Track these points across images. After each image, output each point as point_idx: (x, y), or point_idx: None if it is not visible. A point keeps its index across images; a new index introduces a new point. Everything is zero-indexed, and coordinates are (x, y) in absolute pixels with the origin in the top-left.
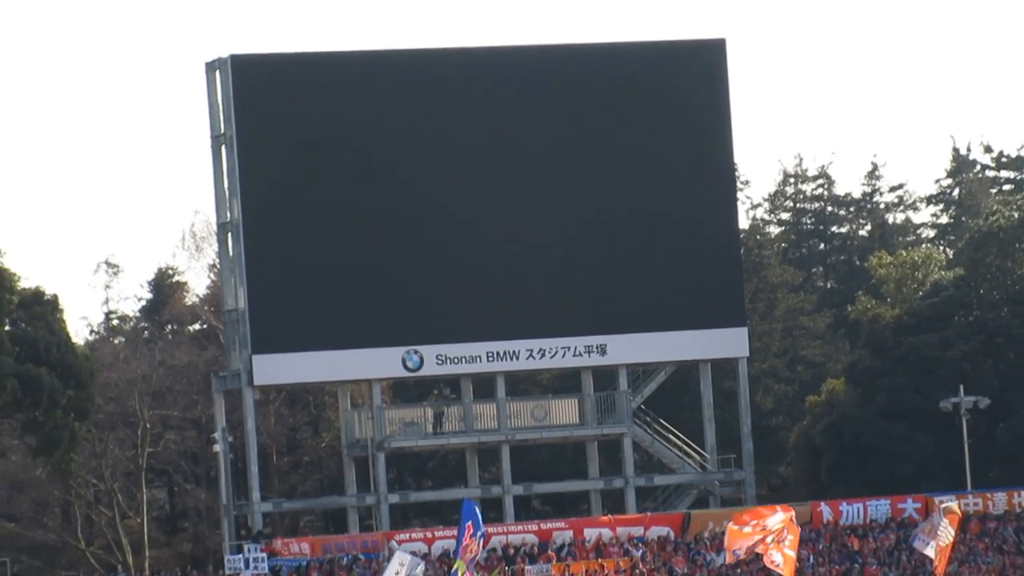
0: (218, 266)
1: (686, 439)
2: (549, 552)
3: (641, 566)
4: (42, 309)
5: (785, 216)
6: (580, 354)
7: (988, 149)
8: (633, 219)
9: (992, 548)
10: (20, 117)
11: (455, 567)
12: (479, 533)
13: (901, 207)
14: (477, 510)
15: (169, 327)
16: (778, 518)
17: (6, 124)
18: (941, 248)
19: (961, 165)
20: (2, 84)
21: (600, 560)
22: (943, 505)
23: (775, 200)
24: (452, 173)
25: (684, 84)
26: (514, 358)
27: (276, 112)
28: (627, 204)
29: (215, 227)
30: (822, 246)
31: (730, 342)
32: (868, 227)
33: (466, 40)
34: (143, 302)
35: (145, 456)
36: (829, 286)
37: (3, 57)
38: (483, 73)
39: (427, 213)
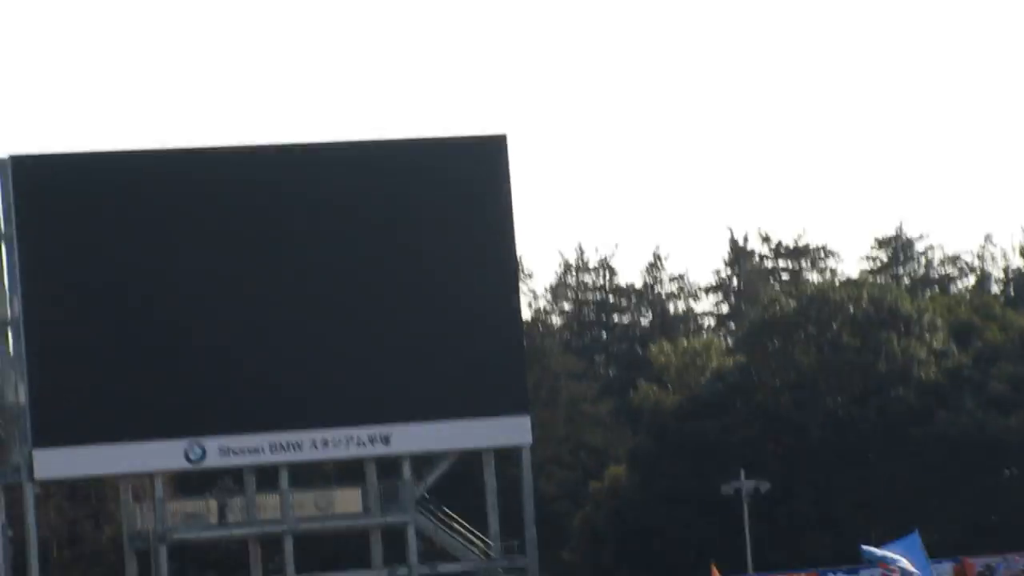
0: None
1: (470, 527)
2: None
3: None
4: None
5: (567, 306)
6: (364, 444)
7: (766, 239)
8: (417, 309)
9: None
10: None
11: None
12: None
13: (682, 296)
14: None
15: None
16: None
17: None
18: (722, 336)
19: (739, 255)
20: None
21: None
22: None
23: (556, 291)
24: (234, 265)
25: (467, 178)
26: (297, 449)
27: (56, 210)
28: (412, 295)
29: None
30: (604, 335)
31: (513, 430)
32: (649, 316)
33: (249, 138)
34: None
35: None
36: (611, 374)
37: None
38: (266, 169)
39: (208, 305)
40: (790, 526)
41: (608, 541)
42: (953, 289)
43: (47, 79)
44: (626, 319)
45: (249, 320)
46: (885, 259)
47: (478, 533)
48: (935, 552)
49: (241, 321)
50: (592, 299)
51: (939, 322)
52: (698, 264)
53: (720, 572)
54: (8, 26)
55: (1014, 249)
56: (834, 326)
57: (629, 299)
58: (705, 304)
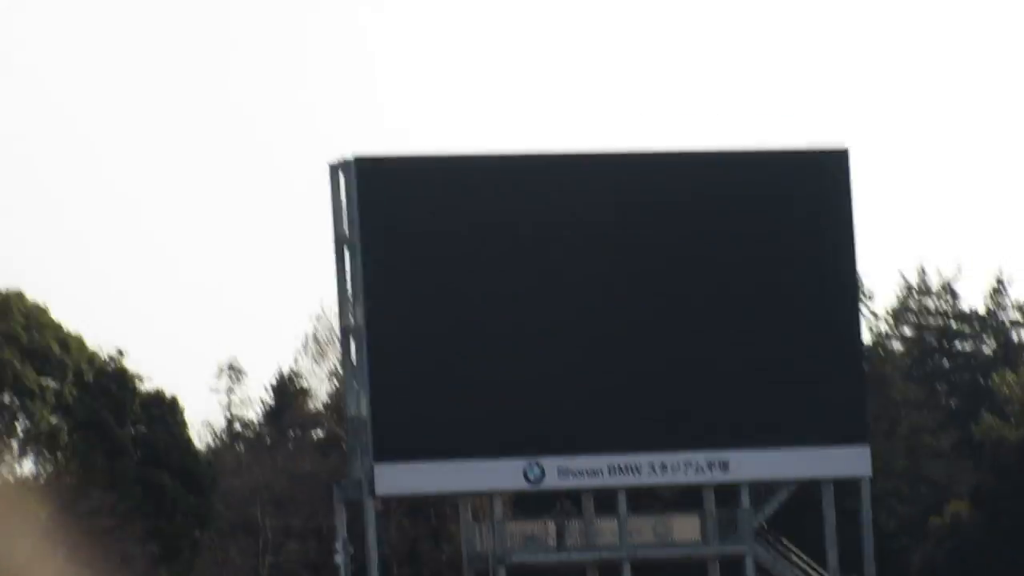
0: (340, 372)
1: (809, 560)
2: None
3: None
4: (162, 412)
5: (908, 331)
6: (702, 469)
7: None
8: (755, 330)
9: None
10: (142, 215)
11: None
12: None
13: None
14: None
15: (291, 433)
16: None
17: (131, 222)
18: None
19: None
20: (125, 180)
21: None
22: None
23: (898, 315)
24: (578, 281)
25: (806, 193)
26: (636, 472)
27: (400, 214)
28: (749, 314)
29: (338, 332)
30: (946, 363)
31: (853, 460)
32: (993, 344)
33: (587, 144)
34: (265, 407)
35: (267, 566)
36: (953, 404)
37: (128, 151)
38: (605, 177)
39: (550, 322)
40: None
41: None
42: None
43: (392, 78)
44: (968, 347)
45: (589, 340)
46: None
47: (816, 567)
48: None
49: (582, 341)
50: (934, 324)
51: None
52: None
53: None
54: (357, 29)
55: None
56: None
57: (972, 325)
58: None
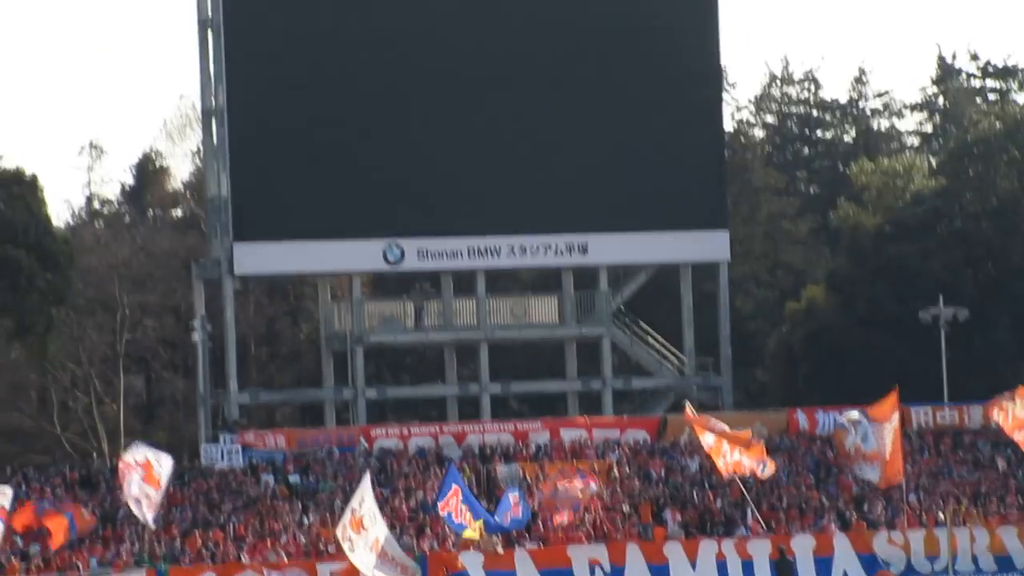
0: (202, 152)
1: (665, 342)
2: (524, 452)
3: (616, 470)
4: (21, 190)
5: (770, 119)
6: (561, 253)
7: (975, 57)
8: (618, 118)
9: (967, 463)
10: None
11: (470, 530)
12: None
13: (886, 114)
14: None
15: (151, 213)
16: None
17: None
18: (925, 156)
19: (947, 73)
20: None
21: (575, 462)
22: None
23: (760, 103)
24: (439, 69)
25: None
26: (495, 255)
27: None
28: (613, 103)
29: (199, 112)
30: (806, 151)
31: (712, 245)
32: (853, 133)
33: None
34: (125, 187)
35: (123, 342)
36: (812, 191)
37: None
38: None
39: (413, 107)
40: (988, 356)
41: (802, 362)
42: None
43: None
44: (829, 135)
45: (452, 123)
46: None
47: (673, 349)
48: None
49: (444, 123)
50: (796, 112)
51: None
52: (904, 81)
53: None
54: None
55: None
56: None
57: (833, 114)
58: (909, 123)
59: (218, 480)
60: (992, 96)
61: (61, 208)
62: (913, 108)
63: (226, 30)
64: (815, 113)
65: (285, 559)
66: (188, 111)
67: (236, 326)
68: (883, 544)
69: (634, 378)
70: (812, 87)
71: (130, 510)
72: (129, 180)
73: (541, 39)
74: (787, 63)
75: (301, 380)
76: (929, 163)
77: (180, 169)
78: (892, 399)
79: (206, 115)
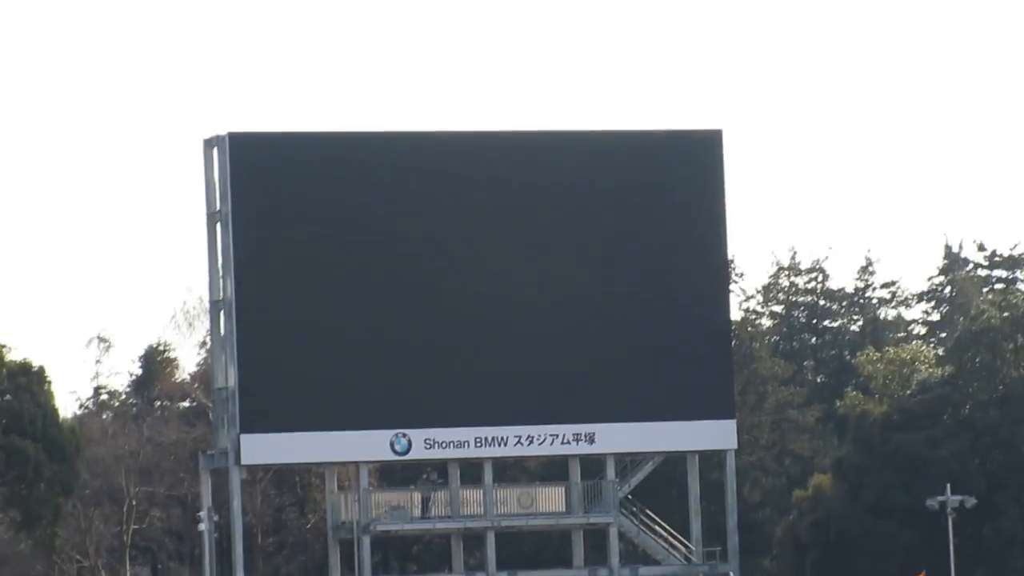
0: (209, 343)
1: (672, 530)
2: None
3: None
4: (28, 381)
5: (777, 309)
6: (568, 442)
7: (981, 247)
8: (625, 308)
9: None
10: (15, 189)
11: None
12: None
13: (893, 303)
14: None
15: (158, 404)
16: None
17: (3, 196)
18: (931, 345)
19: (953, 263)
20: None
21: None
22: None
23: (768, 292)
24: (444, 257)
25: (680, 174)
26: (502, 444)
27: (271, 190)
28: (619, 293)
29: (207, 304)
30: (813, 340)
31: (719, 434)
32: (860, 322)
33: (464, 123)
34: (133, 378)
35: (130, 533)
36: (819, 380)
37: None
38: (478, 157)
39: (418, 297)
40: (996, 544)
41: (810, 550)
42: None
43: (263, 59)
44: (836, 324)
45: (458, 314)
46: None
47: (680, 537)
48: None
49: (450, 315)
50: (803, 302)
51: None
52: (911, 270)
53: None
54: (235, 3)
55: None
56: None
57: (840, 304)
58: (916, 312)
59: None
60: (998, 285)
61: (68, 399)
62: (920, 297)
63: (234, 223)
64: (822, 302)
65: None
66: (196, 303)
67: (243, 516)
68: None
69: (641, 567)
70: (819, 277)
71: None
72: (137, 371)
73: (547, 234)
74: (794, 253)
75: (308, 570)
76: (936, 352)
77: (188, 361)
78: None
79: (214, 307)
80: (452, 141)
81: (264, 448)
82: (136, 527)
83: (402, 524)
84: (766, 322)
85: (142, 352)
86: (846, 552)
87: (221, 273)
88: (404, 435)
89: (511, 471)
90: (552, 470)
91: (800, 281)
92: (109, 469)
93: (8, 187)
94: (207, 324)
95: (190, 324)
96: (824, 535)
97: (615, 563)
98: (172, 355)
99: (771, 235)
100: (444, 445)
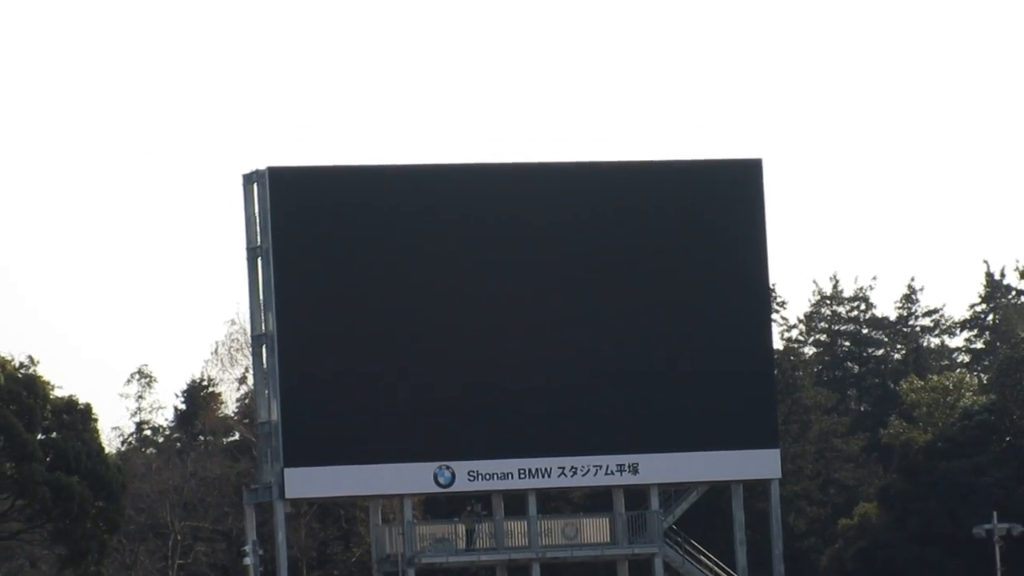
0: (251, 378)
1: (717, 560)
2: None
3: None
4: (73, 419)
5: (820, 337)
6: (612, 472)
7: (1023, 275)
8: (668, 338)
9: None
10: (56, 226)
11: None
12: None
13: (936, 331)
14: None
15: (202, 438)
16: None
17: (43, 232)
18: (975, 373)
19: (995, 290)
20: (40, 192)
21: None
22: None
23: (810, 321)
24: (486, 289)
25: (720, 203)
26: (546, 475)
27: (312, 224)
28: (662, 323)
29: (250, 339)
30: (856, 368)
31: (763, 463)
32: (903, 351)
33: (503, 155)
34: (176, 413)
35: (175, 568)
36: (863, 409)
37: (41, 163)
38: (519, 188)
39: (462, 330)
40: None
41: None
42: None
43: (305, 92)
44: (879, 352)
45: (501, 346)
46: None
47: (726, 567)
48: None
49: (493, 346)
50: (846, 331)
51: None
52: (953, 297)
53: None
54: (271, 39)
55: None
56: None
57: (883, 332)
58: (959, 340)
59: None
60: None
61: (112, 436)
62: (963, 325)
63: (275, 257)
64: (865, 331)
65: None
66: (238, 338)
67: (288, 550)
68: None
69: None
70: (862, 305)
71: None
72: (180, 406)
73: (589, 264)
74: (837, 281)
75: None
76: (979, 379)
77: (230, 395)
78: None
79: (256, 342)
80: (494, 172)
81: (308, 482)
82: (181, 562)
83: (447, 556)
84: (809, 351)
85: (184, 387)
86: None
87: (263, 308)
88: (448, 467)
89: (555, 502)
90: (596, 501)
91: (842, 310)
92: (153, 504)
93: (46, 223)
94: (249, 358)
95: (232, 358)
96: (870, 564)
97: None
98: (215, 390)
99: (813, 264)
100: (488, 477)
